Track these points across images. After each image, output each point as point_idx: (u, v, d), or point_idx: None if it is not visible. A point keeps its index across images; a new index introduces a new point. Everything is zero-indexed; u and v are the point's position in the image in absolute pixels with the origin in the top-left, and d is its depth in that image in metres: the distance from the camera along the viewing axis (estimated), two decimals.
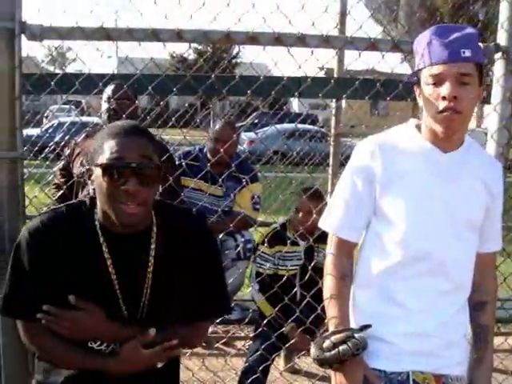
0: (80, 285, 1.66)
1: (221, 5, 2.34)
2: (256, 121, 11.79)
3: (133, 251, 1.70)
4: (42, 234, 1.66)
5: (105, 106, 3.32)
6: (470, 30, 1.76)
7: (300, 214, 3.47)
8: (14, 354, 2.32)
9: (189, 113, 6.15)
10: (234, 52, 25.81)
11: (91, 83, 2.62)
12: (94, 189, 1.66)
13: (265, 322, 3.18)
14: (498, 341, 2.96)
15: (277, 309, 3.17)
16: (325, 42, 2.25)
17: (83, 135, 3.51)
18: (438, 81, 1.73)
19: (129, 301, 1.71)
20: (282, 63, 2.59)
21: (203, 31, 2.22)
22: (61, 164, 3.56)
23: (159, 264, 1.73)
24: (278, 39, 2.23)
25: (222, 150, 3.35)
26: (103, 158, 1.59)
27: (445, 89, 1.71)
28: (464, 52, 1.70)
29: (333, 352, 1.78)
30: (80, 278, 1.66)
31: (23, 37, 2.25)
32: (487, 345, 1.94)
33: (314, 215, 3.17)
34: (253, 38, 2.23)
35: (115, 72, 3.32)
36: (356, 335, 1.78)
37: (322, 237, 2.00)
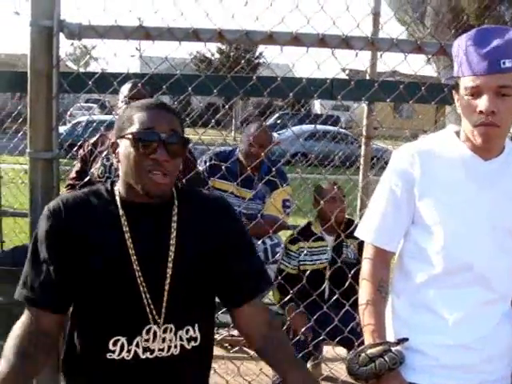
0: (97, 259, 1.63)
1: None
2: (279, 122, 11.78)
3: (153, 223, 1.69)
4: (62, 211, 1.66)
5: (121, 105, 3.27)
6: (510, 35, 1.66)
7: (323, 205, 3.44)
8: None
9: (213, 113, 6.12)
10: (257, 53, 25.81)
11: (125, 82, 2.58)
12: (118, 161, 1.68)
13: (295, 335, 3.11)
14: None
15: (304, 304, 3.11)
16: (370, 44, 2.19)
17: (99, 135, 3.46)
18: (475, 93, 1.66)
19: (148, 276, 1.66)
20: (304, 63, 2.54)
21: (245, 31, 2.16)
22: (78, 165, 3.50)
23: (182, 237, 1.70)
24: (322, 40, 2.18)
25: (256, 153, 3.31)
26: (134, 128, 1.62)
27: (482, 103, 1.65)
28: (504, 62, 1.62)
29: (369, 366, 1.74)
30: (97, 252, 1.64)
31: (61, 35, 2.21)
32: None
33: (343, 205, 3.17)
34: (296, 39, 2.17)
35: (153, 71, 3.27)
36: (393, 349, 1.75)
37: (350, 231, 1.97)
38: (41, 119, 2.22)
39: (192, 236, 1.72)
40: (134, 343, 1.66)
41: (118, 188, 1.71)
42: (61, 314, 1.70)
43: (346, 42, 2.19)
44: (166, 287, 1.67)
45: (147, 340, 1.67)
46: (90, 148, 3.41)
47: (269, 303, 3.96)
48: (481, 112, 1.65)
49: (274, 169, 3.34)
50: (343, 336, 2.93)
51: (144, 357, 1.66)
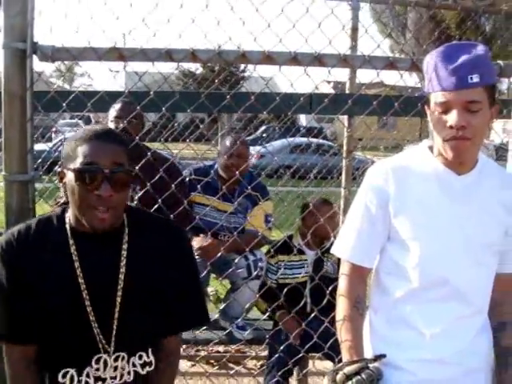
0: (49, 289, 1.64)
1: (236, 23, 2.30)
2: (264, 135, 11.77)
3: (102, 250, 1.68)
4: (14, 246, 1.65)
5: (111, 125, 3.26)
6: (479, 50, 1.68)
7: (309, 221, 3.45)
8: None
9: (197, 127, 6.13)
10: (242, 67, 25.87)
11: (102, 101, 2.58)
12: (65, 192, 1.67)
13: (282, 347, 3.11)
14: None
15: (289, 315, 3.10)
16: (343, 61, 2.20)
17: None
18: (445, 108, 1.68)
19: (98, 305, 1.65)
20: (290, 76, 2.55)
21: (218, 51, 2.17)
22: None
23: (132, 264, 1.69)
24: (295, 59, 2.19)
25: (234, 166, 3.31)
26: (76, 163, 1.60)
27: (452, 118, 1.66)
28: (472, 78, 1.63)
29: None
30: (49, 282, 1.64)
31: (35, 57, 2.21)
32: (507, 368, 1.85)
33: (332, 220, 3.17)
34: (269, 57, 2.18)
35: (123, 87, 3.28)
36: (370, 365, 1.74)
37: (331, 247, 1.97)
38: (15, 142, 2.20)
39: (142, 262, 1.71)
40: (85, 374, 1.66)
41: (69, 216, 1.70)
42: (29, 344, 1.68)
43: (318, 60, 2.21)
44: (116, 315, 1.66)
45: (97, 369, 1.66)
46: None
47: (254, 319, 3.95)
48: (451, 127, 1.66)
49: (253, 182, 3.34)
50: (327, 348, 2.93)
51: None
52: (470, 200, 1.78)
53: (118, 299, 1.66)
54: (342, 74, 4.26)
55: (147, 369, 1.73)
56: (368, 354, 1.84)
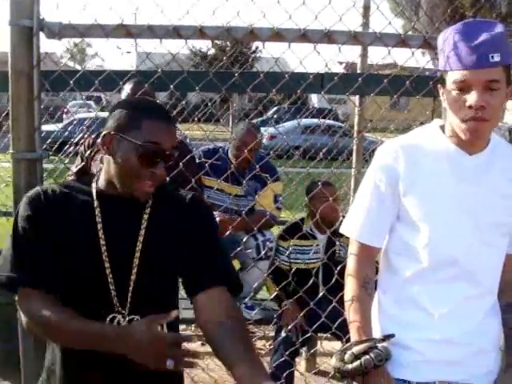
0: (69, 248, 1.64)
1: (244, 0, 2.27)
2: (276, 116, 11.71)
3: (125, 213, 1.70)
4: (39, 199, 1.66)
5: None
6: (498, 28, 1.64)
7: (313, 206, 3.43)
8: (32, 353, 2.29)
9: (209, 108, 6.11)
10: (254, 47, 25.73)
11: (111, 80, 2.57)
12: (109, 154, 1.64)
13: (290, 326, 3.11)
14: None
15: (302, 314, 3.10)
16: (353, 38, 2.17)
17: (97, 134, 3.44)
18: (463, 87, 1.64)
19: (116, 266, 1.66)
20: (302, 57, 2.52)
21: (226, 27, 2.15)
22: (78, 163, 3.48)
23: (153, 229, 1.70)
24: (304, 35, 2.16)
25: (245, 153, 3.30)
26: (141, 138, 1.59)
27: (472, 97, 1.62)
28: (493, 57, 1.60)
29: (355, 364, 1.73)
30: (71, 239, 1.65)
31: (42, 34, 2.20)
32: None
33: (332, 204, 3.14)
34: (278, 35, 2.16)
35: (134, 68, 3.27)
36: (379, 345, 1.74)
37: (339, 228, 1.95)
38: (23, 120, 2.20)
39: (162, 231, 1.71)
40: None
41: (99, 180, 1.71)
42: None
43: (328, 37, 2.17)
44: (133, 276, 1.66)
45: (118, 324, 1.66)
46: (90, 146, 3.40)
47: (263, 299, 3.96)
48: (470, 107, 1.63)
49: (263, 165, 3.32)
50: (335, 328, 2.92)
51: None
52: (480, 180, 1.76)
53: (136, 260, 1.66)
54: (353, 55, 4.22)
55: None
56: (376, 333, 1.84)
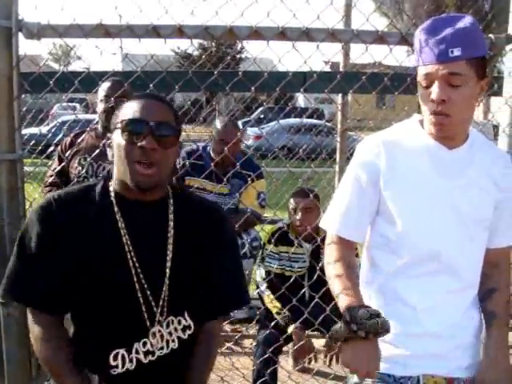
0: (91, 258, 1.60)
1: None
2: (261, 116, 11.71)
3: (148, 218, 1.67)
4: (54, 208, 1.63)
5: (101, 104, 3.24)
6: (464, 23, 1.66)
7: (297, 215, 3.43)
8: (16, 357, 2.27)
9: (193, 109, 6.10)
10: (239, 47, 25.71)
11: (91, 81, 2.57)
12: (112, 155, 1.66)
13: (272, 324, 3.11)
14: None
15: (286, 308, 3.11)
16: (331, 35, 2.18)
17: (80, 132, 3.42)
18: (428, 81, 1.68)
19: (148, 273, 1.62)
20: (287, 58, 2.54)
21: (205, 26, 2.15)
22: (55, 165, 3.45)
23: (180, 234, 1.68)
24: (283, 33, 2.17)
25: (226, 150, 3.30)
26: (124, 117, 1.61)
27: (433, 91, 1.66)
28: (452, 51, 1.62)
29: (372, 321, 1.62)
30: (92, 251, 1.61)
31: (20, 35, 2.19)
32: (492, 329, 1.82)
33: (319, 215, 3.13)
34: (256, 33, 2.17)
35: (117, 69, 3.26)
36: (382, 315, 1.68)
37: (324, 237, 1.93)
38: (3, 121, 2.19)
39: (188, 238, 1.70)
40: (134, 351, 1.63)
41: (112, 184, 1.69)
42: (57, 316, 1.66)
43: (306, 34, 2.18)
44: (165, 285, 1.65)
45: (144, 344, 1.64)
46: (68, 147, 3.38)
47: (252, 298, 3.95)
48: (432, 100, 1.66)
49: (246, 163, 3.32)
50: (319, 324, 2.94)
51: (147, 361, 1.64)
52: (460, 174, 1.77)
53: (168, 266, 1.65)
54: (338, 56, 4.23)
55: (188, 332, 1.71)
56: None
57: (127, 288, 1.61)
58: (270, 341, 3.21)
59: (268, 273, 3.51)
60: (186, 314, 1.71)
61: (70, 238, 1.60)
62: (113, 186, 1.69)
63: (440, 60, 1.64)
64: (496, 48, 2.31)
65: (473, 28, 1.67)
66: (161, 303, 1.64)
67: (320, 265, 3.06)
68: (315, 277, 3.00)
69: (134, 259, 1.61)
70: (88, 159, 3.20)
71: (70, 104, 16.08)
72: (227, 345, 3.80)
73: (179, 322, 1.70)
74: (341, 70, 4.32)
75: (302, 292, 3.24)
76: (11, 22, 2.14)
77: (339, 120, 4.35)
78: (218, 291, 1.76)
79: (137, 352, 1.63)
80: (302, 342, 3.26)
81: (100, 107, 3.24)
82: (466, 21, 1.67)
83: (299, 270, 3.50)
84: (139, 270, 1.61)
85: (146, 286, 1.62)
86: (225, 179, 3.43)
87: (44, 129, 7.02)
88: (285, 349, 3.57)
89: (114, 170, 1.67)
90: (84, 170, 3.24)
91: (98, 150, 2.82)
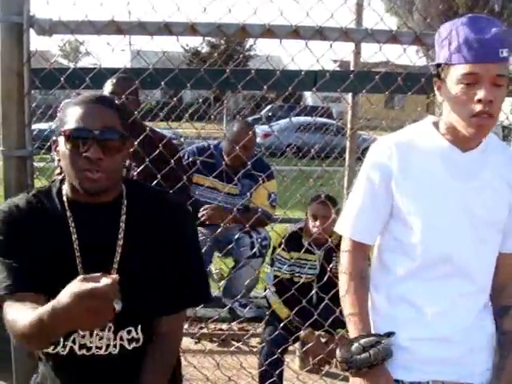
0: (45, 260, 1.61)
1: None
2: (270, 114, 11.69)
3: (100, 221, 1.66)
4: (13, 211, 1.65)
5: None
6: (501, 26, 1.64)
7: (313, 222, 3.41)
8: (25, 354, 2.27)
9: (202, 107, 6.09)
10: (248, 45, 25.70)
11: (102, 78, 2.56)
12: (59, 159, 1.65)
13: (281, 325, 3.10)
14: None
15: (293, 312, 3.09)
16: (344, 34, 2.16)
17: None
18: (472, 81, 1.62)
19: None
20: (297, 56, 2.51)
21: (217, 24, 2.14)
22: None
23: (130, 236, 1.67)
24: (296, 32, 2.15)
25: (239, 152, 3.27)
26: (66, 126, 1.59)
27: (481, 91, 1.61)
28: (502, 52, 1.60)
29: (363, 356, 1.71)
30: (45, 253, 1.62)
31: (32, 31, 2.18)
32: (510, 354, 1.81)
33: (328, 221, 3.12)
34: (269, 31, 2.15)
35: (127, 66, 3.25)
36: (383, 341, 1.72)
37: (340, 245, 1.92)
38: (13, 117, 2.19)
39: (140, 235, 1.68)
40: (71, 339, 1.64)
41: (65, 187, 1.69)
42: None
43: (319, 33, 2.16)
44: None
45: (83, 337, 1.64)
46: None
47: (256, 296, 3.95)
48: (479, 101, 1.61)
49: (257, 163, 3.29)
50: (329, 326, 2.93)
51: (80, 353, 1.65)
52: (474, 177, 1.75)
53: (114, 270, 1.63)
54: (348, 54, 4.21)
55: (134, 345, 1.69)
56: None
57: None
58: (278, 341, 3.20)
59: (276, 277, 3.49)
60: (138, 327, 1.70)
61: (26, 239, 1.62)
62: (65, 189, 1.69)
63: (491, 59, 1.60)
64: None
65: (509, 32, 1.67)
66: None
67: (331, 266, 3.06)
68: (324, 279, 2.99)
69: (80, 260, 1.62)
70: None
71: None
72: (236, 344, 3.80)
73: (128, 332, 1.69)
74: (352, 69, 4.29)
75: (310, 295, 3.22)
76: (22, 17, 2.14)
77: (349, 119, 4.33)
78: (174, 285, 1.73)
79: (73, 341, 1.64)
80: (312, 343, 3.27)
81: None
82: (502, 24, 1.66)
83: (309, 276, 3.48)
84: (82, 272, 1.60)
85: None
86: (235, 179, 3.41)
87: (54, 124, 7.02)
88: (291, 348, 3.57)
89: (64, 173, 1.66)
90: None
91: None
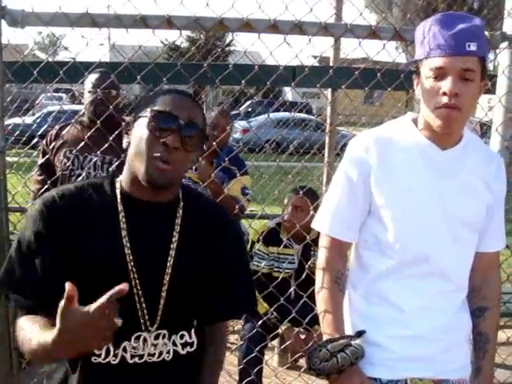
0: (90, 259, 1.51)
1: None
2: (249, 109, 11.67)
3: (154, 222, 1.57)
4: (56, 202, 1.53)
5: (88, 95, 3.19)
6: (477, 21, 1.65)
7: (291, 215, 3.40)
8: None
9: None
10: (228, 40, 25.61)
11: (77, 71, 2.51)
12: (128, 142, 1.56)
13: (259, 319, 3.08)
14: None
15: (273, 308, 3.08)
16: (323, 29, 2.14)
17: (65, 125, 3.35)
18: (439, 74, 1.63)
19: (145, 279, 1.54)
20: (277, 51, 2.48)
21: (195, 18, 2.10)
22: (40, 158, 3.34)
23: (184, 240, 1.59)
24: (274, 26, 2.12)
25: (212, 138, 3.23)
26: (153, 107, 1.51)
27: (446, 84, 1.61)
28: (469, 45, 1.60)
29: (330, 362, 1.70)
30: (91, 252, 1.51)
31: (4, 23, 2.12)
32: (485, 355, 1.83)
33: (309, 214, 3.10)
34: (247, 25, 2.12)
35: (103, 60, 3.18)
36: (353, 343, 1.71)
37: (318, 239, 1.90)
38: None
39: (194, 242, 1.62)
40: (121, 348, 1.56)
41: (120, 180, 1.59)
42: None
43: (298, 28, 2.14)
44: (163, 293, 1.57)
45: (135, 347, 1.57)
46: (54, 138, 3.31)
47: None
48: (444, 93, 1.62)
49: (232, 158, 3.26)
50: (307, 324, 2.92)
51: (132, 361, 1.56)
52: (452, 175, 1.74)
53: (167, 275, 1.56)
54: (328, 50, 4.20)
55: (188, 349, 1.63)
56: (348, 330, 1.81)
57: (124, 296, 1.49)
58: (256, 339, 3.19)
59: (255, 272, 3.47)
60: (192, 331, 1.65)
61: (72, 237, 1.51)
62: (121, 182, 1.59)
63: (456, 53, 1.61)
64: (490, 46, 2.28)
65: (483, 28, 1.66)
66: (156, 312, 1.57)
67: (309, 263, 3.05)
68: (303, 276, 2.98)
69: (133, 265, 1.53)
70: (74, 151, 3.14)
71: (55, 94, 15.92)
72: None
73: (181, 337, 1.63)
74: (331, 64, 4.28)
75: (288, 292, 3.21)
76: None
77: (328, 115, 4.32)
78: (229, 294, 1.69)
79: (124, 350, 1.56)
80: (291, 340, 3.27)
81: (87, 98, 3.18)
82: (477, 20, 1.66)
83: (287, 271, 3.47)
84: (136, 276, 1.53)
85: (141, 294, 1.54)
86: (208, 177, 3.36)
87: (28, 119, 6.92)
88: (270, 345, 3.55)
89: (127, 162, 1.57)
90: (68, 163, 3.17)
91: (83, 142, 2.76)
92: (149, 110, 1.52)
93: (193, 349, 1.65)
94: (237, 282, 1.71)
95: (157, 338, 1.58)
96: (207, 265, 1.63)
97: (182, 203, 1.63)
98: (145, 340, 1.57)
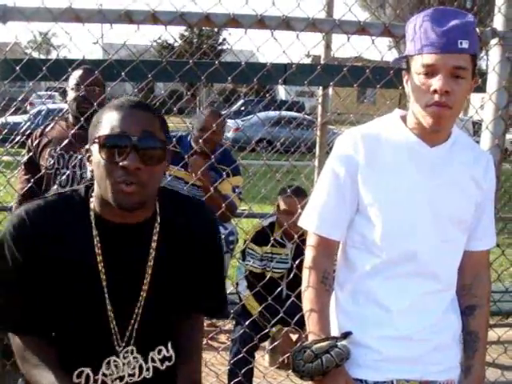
0: (66, 285, 1.48)
1: None
2: (242, 108, 11.64)
3: (130, 245, 1.52)
4: (27, 226, 1.46)
5: (71, 93, 3.15)
6: (469, 17, 1.62)
7: (283, 214, 3.37)
8: None
9: (169, 101, 6.01)
10: (221, 39, 25.64)
11: (60, 68, 2.46)
12: (92, 170, 1.48)
13: (250, 320, 3.06)
14: None
15: (262, 306, 3.05)
16: (311, 25, 2.10)
17: (50, 124, 3.32)
18: (430, 71, 1.60)
19: (118, 301, 1.51)
20: (267, 49, 2.45)
21: (180, 13, 2.06)
22: (25, 157, 3.31)
23: (160, 259, 1.54)
24: (261, 22, 2.09)
25: (206, 140, 3.22)
26: (102, 132, 1.42)
27: (437, 81, 1.58)
28: (461, 43, 1.57)
29: (315, 363, 1.67)
30: (66, 277, 1.48)
31: None
32: (475, 354, 1.80)
33: (297, 215, 3.07)
34: (234, 20, 2.08)
35: (97, 58, 3.16)
36: (338, 344, 1.68)
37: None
38: None
39: (171, 256, 1.57)
40: (101, 373, 1.54)
41: (93, 200, 1.52)
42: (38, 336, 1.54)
43: (286, 23, 2.10)
44: (136, 313, 1.54)
45: (115, 367, 1.55)
46: (39, 137, 3.27)
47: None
48: (434, 91, 1.59)
49: (224, 157, 3.24)
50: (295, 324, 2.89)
51: None
52: (440, 173, 1.71)
53: (142, 296, 1.54)
54: (320, 49, 4.18)
55: (166, 363, 1.62)
56: (334, 330, 1.78)
57: (96, 317, 1.51)
58: (246, 340, 3.16)
59: (248, 271, 3.46)
60: (169, 345, 1.63)
61: (45, 258, 1.47)
62: (93, 203, 1.52)
63: (448, 50, 1.58)
64: (481, 43, 2.25)
65: (474, 25, 1.63)
66: (128, 333, 1.55)
67: (297, 263, 3.02)
68: (291, 275, 2.95)
69: (106, 287, 1.50)
70: (58, 150, 3.10)
71: (46, 93, 15.81)
72: (204, 340, 3.74)
73: (159, 352, 1.61)
74: (322, 62, 4.25)
75: (278, 290, 3.18)
76: None
77: (319, 113, 4.29)
78: (196, 294, 1.65)
79: (104, 374, 1.54)
80: (281, 340, 3.24)
81: (70, 95, 3.14)
82: (470, 17, 1.63)
83: (280, 271, 3.46)
84: (111, 297, 1.51)
85: (113, 314, 1.52)
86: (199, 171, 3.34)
87: (17, 118, 6.86)
88: (261, 345, 3.53)
89: (95, 186, 1.50)
90: (53, 161, 3.14)
91: (67, 140, 2.72)
92: (98, 134, 1.44)
93: (171, 363, 1.63)
94: (208, 283, 1.68)
95: (125, 356, 1.56)
96: (182, 275, 1.60)
97: (158, 218, 1.56)
98: (116, 364, 1.55)
